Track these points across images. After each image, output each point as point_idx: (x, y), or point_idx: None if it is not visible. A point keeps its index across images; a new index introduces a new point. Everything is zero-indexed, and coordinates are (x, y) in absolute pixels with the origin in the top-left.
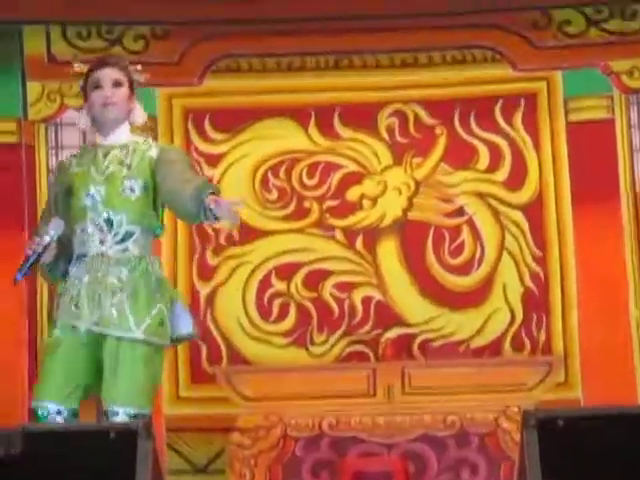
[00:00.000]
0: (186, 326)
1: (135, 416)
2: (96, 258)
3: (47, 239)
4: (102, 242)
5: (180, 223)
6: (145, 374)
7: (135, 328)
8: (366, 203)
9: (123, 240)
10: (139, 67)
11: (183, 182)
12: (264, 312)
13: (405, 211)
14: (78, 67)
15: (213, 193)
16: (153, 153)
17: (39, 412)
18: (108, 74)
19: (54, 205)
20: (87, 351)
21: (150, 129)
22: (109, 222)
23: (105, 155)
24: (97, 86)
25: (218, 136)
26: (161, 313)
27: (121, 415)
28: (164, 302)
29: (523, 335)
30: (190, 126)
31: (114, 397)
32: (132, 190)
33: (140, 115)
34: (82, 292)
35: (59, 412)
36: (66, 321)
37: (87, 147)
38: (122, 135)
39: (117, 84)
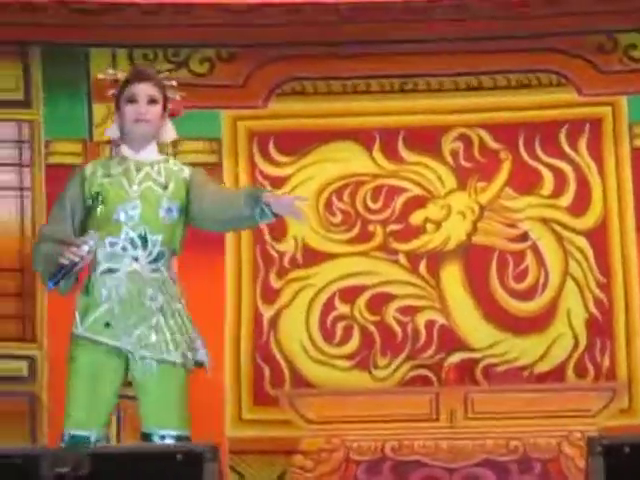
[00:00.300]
0: (203, 353)
1: (179, 438)
2: (130, 275)
3: (86, 248)
4: (135, 259)
5: (244, 246)
6: (183, 397)
7: (174, 351)
8: (430, 227)
9: (156, 260)
10: (174, 82)
11: (229, 193)
12: (327, 335)
13: (469, 235)
14: (113, 74)
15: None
16: (185, 175)
17: (71, 440)
18: (144, 90)
19: (70, 211)
20: (115, 372)
21: (215, 152)
22: (144, 240)
23: (137, 170)
24: (132, 100)
25: (283, 159)
26: (190, 336)
27: (167, 438)
28: (190, 326)
29: (587, 361)
30: (255, 149)
31: (158, 420)
32: (170, 211)
33: (170, 133)
34: (116, 310)
35: (90, 439)
36: (96, 339)
37: (113, 158)
38: (152, 152)
39: (152, 101)
